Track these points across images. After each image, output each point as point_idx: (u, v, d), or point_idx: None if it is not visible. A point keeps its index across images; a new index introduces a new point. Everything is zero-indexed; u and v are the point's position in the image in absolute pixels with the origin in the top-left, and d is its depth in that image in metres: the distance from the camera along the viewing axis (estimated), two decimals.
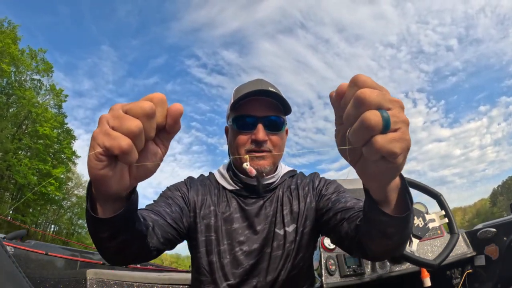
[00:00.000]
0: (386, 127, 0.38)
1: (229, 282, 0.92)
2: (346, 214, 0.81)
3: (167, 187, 1.02)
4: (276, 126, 0.94)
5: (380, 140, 0.38)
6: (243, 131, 0.94)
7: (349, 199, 0.88)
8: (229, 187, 1.02)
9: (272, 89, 0.92)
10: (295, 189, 1.03)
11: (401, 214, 0.53)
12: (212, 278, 0.94)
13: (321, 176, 1.10)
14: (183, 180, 1.07)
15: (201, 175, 1.14)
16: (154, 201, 0.95)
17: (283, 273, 0.93)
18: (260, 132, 0.91)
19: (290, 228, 0.96)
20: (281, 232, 0.96)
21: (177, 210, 0.91)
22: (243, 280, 0.93)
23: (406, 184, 0.52)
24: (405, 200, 0.53)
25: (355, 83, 0.40)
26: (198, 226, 0.96)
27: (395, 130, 0.39)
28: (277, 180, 1.03)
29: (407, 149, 0.40)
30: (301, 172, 1.15)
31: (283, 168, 1.09)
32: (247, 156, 0.86)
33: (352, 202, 0.86)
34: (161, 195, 0.99)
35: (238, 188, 1.02)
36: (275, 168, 1.01)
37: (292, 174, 1.11)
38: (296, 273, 0.96)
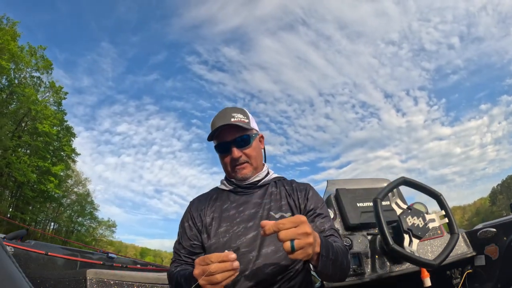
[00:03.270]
0: (293, 249, 0.80)
1: None
2: None
3: (179, 225, 1.27)
4: (244, 142, 1.21)
5: (291, 256, 0.81)
6: (224, 154, 1.23)
7: (320, 226, 1.14)
8: (226, 188, 1.29)
9: (234, 118, 1.19)
10: (291, 189, 1.25)
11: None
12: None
13: (314, 189, 1.29)
14: (186, 208, 1.31)
15: (203, 193, 1.38)
16: (177, 239, 1.25)
17: (277, 251, 1.08)
18: (234, 153, 1.19)
19: (287, 215, 1.16)
20: (277, 216, 1.15)
21: (193, 237, 1.20)
22: (240, 253, 1.06)
23: (322, 250, 0.90)
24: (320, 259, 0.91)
25: (278, 227, 0.81)
26: (202, 229, 1.20)
27: (300, 249, 0.80)
28: (265, 179, 1.27)
29: (307, 255, 0.83)
30: (293, 179, 1.35)
31: (271, 174, 1.32)
32: None
33: (322, 228, 1.13)
34: (179, 232, 1.26)
35: (232, 187, 1.27)
36: (257, 170, 1.25)
37: (282, 179, 1.33)
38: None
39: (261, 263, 1.07)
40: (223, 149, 1.22)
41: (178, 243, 1.24)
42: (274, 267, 1.07)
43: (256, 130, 1.28)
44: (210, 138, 1.23)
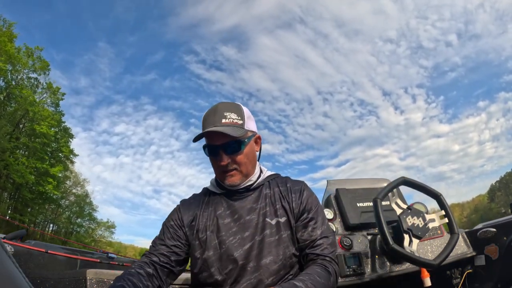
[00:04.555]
0: None
1: (226, 271, 1.06)
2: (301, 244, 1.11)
3: (164, 223, 1.20)
4: (235, 148, 1.10)
5: None
6: (213, 157, 1.14)
7: (312, 232, 1.10)
8: (218, 192, 1.21)
9: (225, 119, 1.09)
10: (285, 190, 1.19)
11: None
12: (211, 272, 1.07)
13: (310, 188, 1.24)
14: (175, 207, 1.25)
15: (193, 194, 1.31)
16: (159, 236, 1.16)
17: (276, 261, 1.06)
18: (222, 159, 1.10)
19: (282, 220, 1.12)
20: (273, 222, 1.11)
21: (178, 238, 1.14)
22: (239, 266, 1.05)
23: None
24: None
25: None
26: (193, 235, 1.14)
27: None
28: (258, 181, 1.20)
29: None
30: (287, 177, 1.29)
31: (264, 173, 1.25)
32: None
33: (314, 236, 1.10)
34: (162, 229, 1.19)
35: (224, 191, 1.20)
36: (247, 177, 1.17)
37: (276, 177, 1.27)
38: (288, 259, 1.08)
39: (261, 274, 1.04)
40: (211, 152, 1.13)
41: (158, 239, 1.15)
42: (274, 277, 1.05)
43: (252, 131, 1.17)
44: (196, 140, 1.12)
